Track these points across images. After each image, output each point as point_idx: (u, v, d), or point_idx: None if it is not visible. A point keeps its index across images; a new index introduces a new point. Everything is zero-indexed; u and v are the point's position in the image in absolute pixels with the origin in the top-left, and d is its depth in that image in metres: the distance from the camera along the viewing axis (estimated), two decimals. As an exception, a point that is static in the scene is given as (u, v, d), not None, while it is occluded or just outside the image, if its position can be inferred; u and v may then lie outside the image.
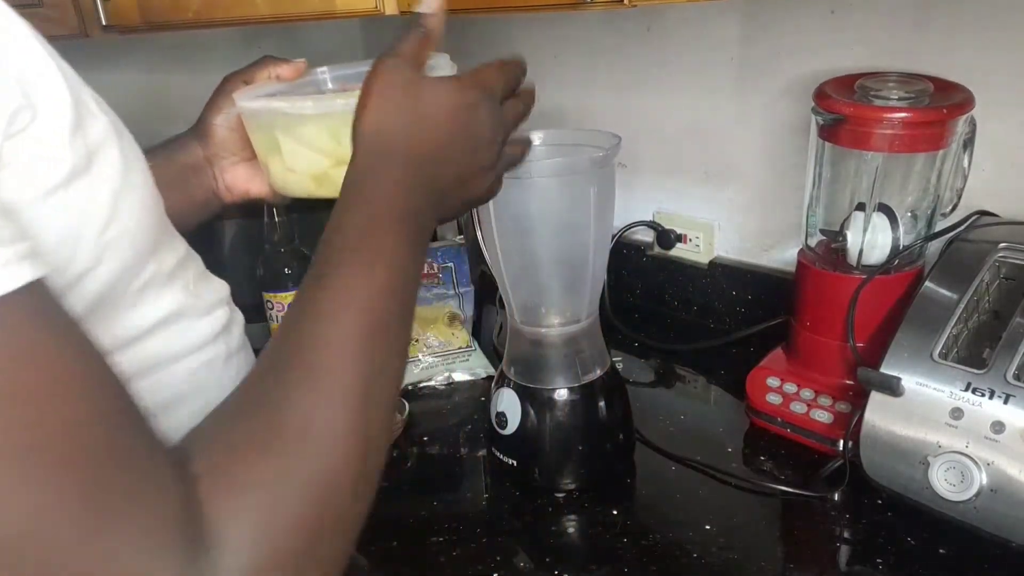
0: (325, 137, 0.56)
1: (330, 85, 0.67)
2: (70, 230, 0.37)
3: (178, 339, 0.48)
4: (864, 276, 0.78)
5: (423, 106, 0.49)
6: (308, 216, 1.06)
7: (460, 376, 1.02)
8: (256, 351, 0.54)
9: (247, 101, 0.59)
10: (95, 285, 0.40)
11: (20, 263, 0.30)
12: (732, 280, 1.08)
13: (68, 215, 0.37)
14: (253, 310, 0.89)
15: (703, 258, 1.11)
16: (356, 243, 0.44)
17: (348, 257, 0.43)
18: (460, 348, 1.04)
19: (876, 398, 0.69)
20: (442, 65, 0.58)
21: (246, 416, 0.38)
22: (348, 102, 0.52)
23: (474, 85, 0.51)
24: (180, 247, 0.51)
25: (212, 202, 0.67)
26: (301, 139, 0.55)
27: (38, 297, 0.31)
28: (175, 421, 0.45)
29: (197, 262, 0.54)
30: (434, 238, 1.08)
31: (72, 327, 0.32)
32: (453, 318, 1.04)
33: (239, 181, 0.66)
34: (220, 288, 0.55)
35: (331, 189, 0.57)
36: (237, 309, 0.57)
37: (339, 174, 0.53)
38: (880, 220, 0.79)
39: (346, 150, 0.52)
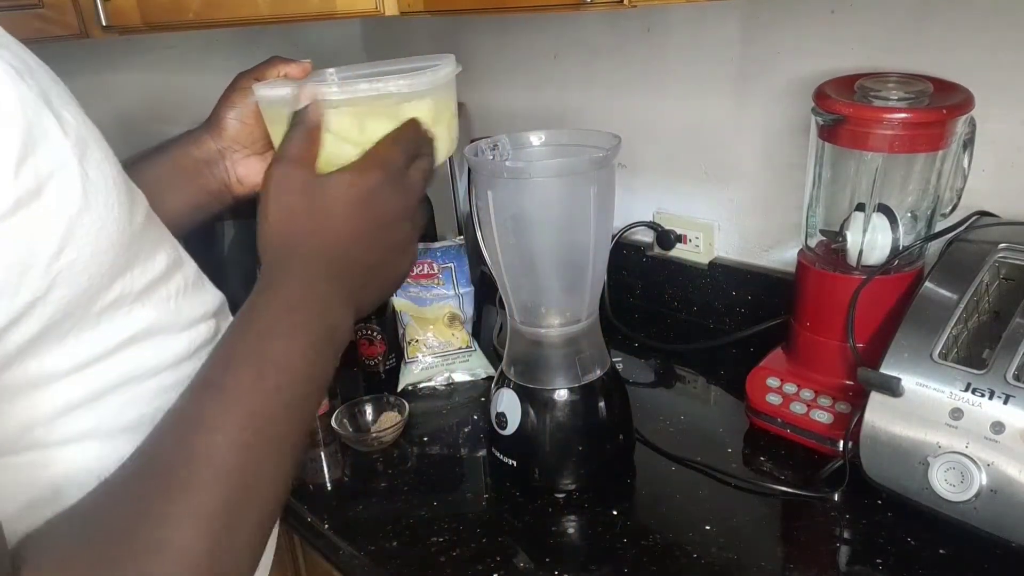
0: (350, 125, 0.56)
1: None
2: (16, 258, 0.36)
3: (149, 357, 0.46)
4: (864, 276, 0.78)
5: (322, 203, 0.49)
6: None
7: (460, 376, 1.02)
8: None
9: (270, 90, 0.59)
10: (47, 310, 0.39)
11: None
12: (732, 280, 1.08)
13: (13, 245, 0.36)
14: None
15: (703, 258, 1.11)
16: (248, 349, 0.43)
17: (238, 364, 0.42)
18: (460, 348, 1.04)
19: (876, 398, 0.69)
20: (447, 62, 0.58)
21: (96, 523, 0.37)
22: (373, 85, 0.54)
23: (372, 166, 0.51)
24: (160, 261, 0.48)
25: (224, 194, 0.68)
26: (327, 127, 0.56)
27: None
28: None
29: (186, 273, 0.51)
30: (433, 239, 1.08)
31: None
32: (453, 318, 1.04)
33: (251, 174, 0.68)
34: (209, 300, 0.53)
35: None
36: (230, 318, 0.55)
37: None
38: (880, 220, 0.79)
39: (367, 136, 0.54)
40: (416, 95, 0.56)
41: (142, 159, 0.64)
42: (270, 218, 0.49)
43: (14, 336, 0.38)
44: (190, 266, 0.52)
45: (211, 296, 0.53)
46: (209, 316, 0.52)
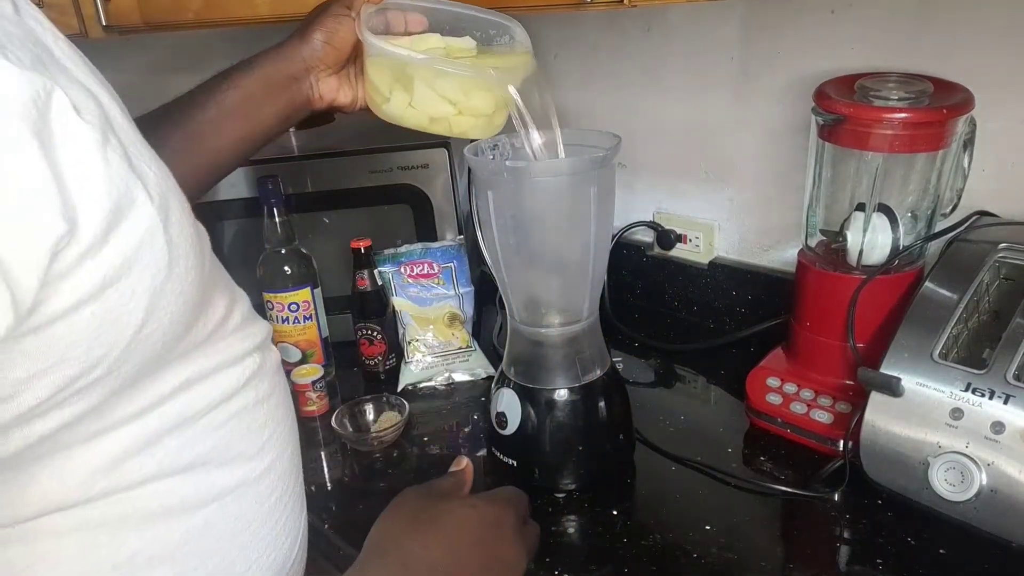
0: (456, 90, 0.65)
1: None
2: (100, 341, 0.35)
3: (202, 396, 0.45)
4: (864, 276, 0.78)
5: (436, 518, 0.53)
6: (308, 216, 1.06)
7: (460, 376, 1.02)
8: None
9: (391, 47, 0.66)
10: (116, 381, 0.38)
11: None
12: (732, 280, 1.08)
13: (99, 327, 0.34)
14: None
15: (703, 258, 1.11)
16: None
17: None
18: (460, 348, 1.04)
19: (876, 398, 0.69)
20: (526, 43, 0.69)
21: None
22: (485, 70, 0.65)
23: (495, 501, 0.55)
24: (219, 307, 0.46)
25: (305, 108, 0.74)
26: (435, 87, 0.65)
27: None
28: (204, 479, 0.44)
29: (241, 309, 0.50)
30: (435, 239, 1.08)
31: None
32: (453, 318, 1.04)
33: (330, 90, 0.74)
34: (258, 332, 0.51)
35: (443, 129, 0.70)
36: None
37: (457, 121, 0.68)
38: (880, 220, 0.79)
39: (470, 102, 0.65)
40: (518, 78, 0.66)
41: (230, 77, 0.70)
42: (381, 519, 0.53)
43: (80, 404, 0.37)
44: (243, 301, 0.51)
45: (259, 327, 0.52)
46: (256, 349, 0.50)
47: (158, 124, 0.64)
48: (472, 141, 0.73)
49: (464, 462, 0.63)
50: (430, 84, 0.67)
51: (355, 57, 0.75)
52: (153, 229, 0.36)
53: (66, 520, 0.39)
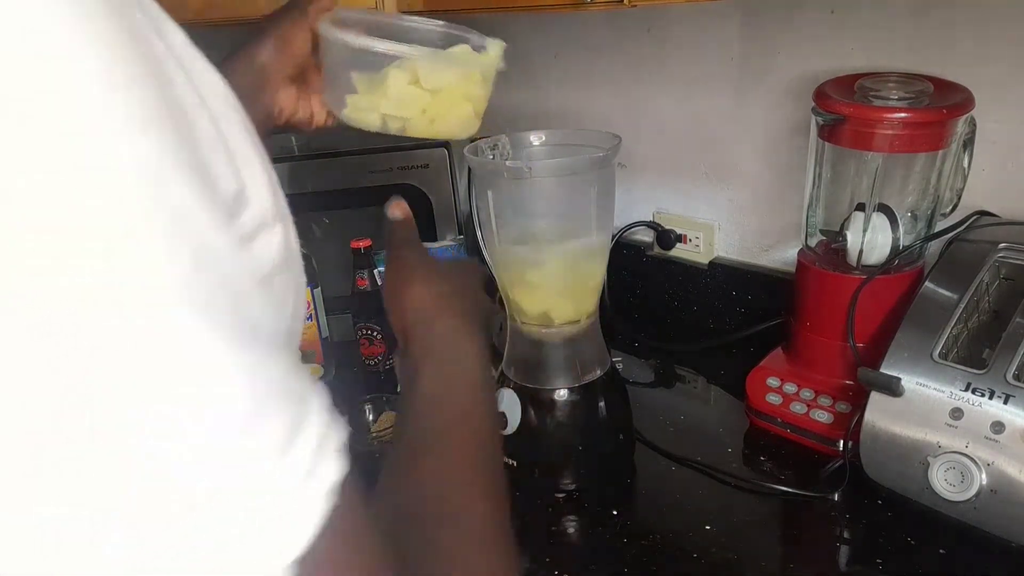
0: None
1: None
2: (278, 320, 0.31)
3: None
4: (864, 276, 0.78)
5: (460, 281, 0.61)
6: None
7: (460, 376, 1.02)
8: None
9: (343, 35, 0.60)
10: None
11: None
12: (732, 280, 1.08)
13: (281, 303, 0.32)
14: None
15: (703, 258, 1.11)
16: (459, 412, 0.51)
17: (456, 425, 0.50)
18: (460, 348, 1.04)
19: (876, 398, 0.69)
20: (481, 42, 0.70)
21: None
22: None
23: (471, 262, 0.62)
24: None
25: (266, 123, 0.65)
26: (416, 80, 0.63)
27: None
28: None
29: None
30: (435, 239, 1.08)
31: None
32: (453, 318, 1.04)
33: (289, 104, 0.65)
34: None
35: (418, 130, 0.67)
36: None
37: (416, 125, 0.66)
38: (880, 220, 0.79)
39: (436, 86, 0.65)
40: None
41: None
42: (414, 292, 0.59)
43: None
44: None
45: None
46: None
47: None
48: (472, 141, 0.73)
49: (401, 204, 0.63)
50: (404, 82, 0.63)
51: (312, 69, 0.67)
52: (285, 216, 0.34)
53: None
